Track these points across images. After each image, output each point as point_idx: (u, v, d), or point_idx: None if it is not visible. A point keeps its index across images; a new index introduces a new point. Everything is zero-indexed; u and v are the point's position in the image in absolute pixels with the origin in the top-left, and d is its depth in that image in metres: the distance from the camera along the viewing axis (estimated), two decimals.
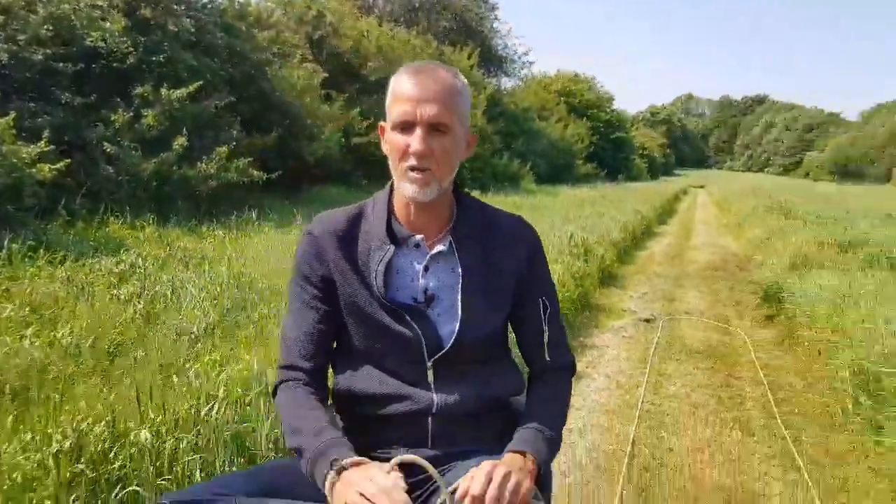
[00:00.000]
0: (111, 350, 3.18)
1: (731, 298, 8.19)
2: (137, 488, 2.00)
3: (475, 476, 1.18)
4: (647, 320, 6.91)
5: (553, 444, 1.41)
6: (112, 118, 8.56)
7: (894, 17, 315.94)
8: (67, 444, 1.99)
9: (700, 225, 19.33)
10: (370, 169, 18.14)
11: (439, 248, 1.45)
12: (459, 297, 1.42)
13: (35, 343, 3.04)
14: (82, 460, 1.99)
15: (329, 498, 1.19)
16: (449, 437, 1.41)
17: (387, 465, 1.19)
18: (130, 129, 8.79)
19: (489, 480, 1.17)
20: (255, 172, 10.29)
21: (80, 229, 6.46)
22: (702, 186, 47.28)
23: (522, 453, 1.33)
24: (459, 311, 1.41)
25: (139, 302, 3.97)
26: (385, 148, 1.47)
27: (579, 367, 5.24)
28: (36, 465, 1.94)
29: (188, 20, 10.52)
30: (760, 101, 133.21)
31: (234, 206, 9.81)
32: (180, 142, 8.93)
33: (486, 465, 1.20)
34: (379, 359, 1.44)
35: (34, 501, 1.89)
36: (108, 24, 8.93)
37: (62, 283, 4.20)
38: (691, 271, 10.39)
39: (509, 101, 30.30)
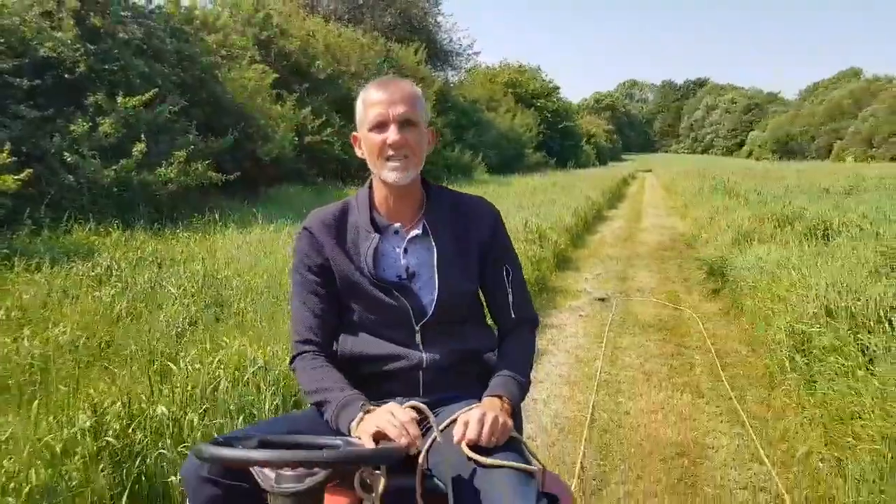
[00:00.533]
0: (103, 346, 3.36)
1: (679, 276, 8.67)
2: (163, 451, 2.24)
3: (469, 423, 1.47)
4: (602, 299, 7.31)
5: (523, 388, 1.72)
6: (71, 128, 8.56)
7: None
8: (88, 423, 2.21)
9: (649, 208, 19.99)
10: (324, 166, 18.25)
11: (415, 232, 1.73)
12: (436, 272, 1.70)
13: (34, 342, 3.21)
14: (106, 436, 2.21)
15: (354, 432, 1.47)
16: (437, 387, 1.70)
17: (404, 405, 1.50)
18: (88, 137, 8.80)
19: (482, 425, 1.46)
20: (214, 175, 10.38)
21: (45, 238, 6.53)
22: (649, 170, 48.52)
23: (499, 396, 1.63)
24: (436, 282, 1.69)
25: (122, 301, 4.14)
26: (360, 152, 1.73)
27: (541, 344, 5.60)
28: (63, 443, 2.15)
29: (136, 27, 10.51)
30: (701, 83, 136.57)
31: (193, 209, 9.92)
32: (139, 148, 8.98)
33: (476, 412, 1.49)
34: (375, 327, 1.72)
35: (65, 473, 2.11)
36: (59, 33, 8.89)
37: (46, 287, 4.33)
38: (642, 252, 10.88)
39: (458, 94, 30.64)
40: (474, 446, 1.45)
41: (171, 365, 2.95)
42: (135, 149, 8.98)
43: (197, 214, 9.44)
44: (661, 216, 17.09)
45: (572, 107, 62.07)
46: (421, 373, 1.70)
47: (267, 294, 4.64)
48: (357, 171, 19.15)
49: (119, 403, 2.39)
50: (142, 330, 3.64)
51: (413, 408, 1.55)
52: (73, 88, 9.30)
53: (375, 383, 1.71)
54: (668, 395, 4.50)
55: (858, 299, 4.12)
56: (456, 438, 1.47)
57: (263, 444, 1.39)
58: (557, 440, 3.78)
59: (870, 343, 3.64)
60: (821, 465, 3.40)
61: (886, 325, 3.72)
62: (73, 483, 2.03)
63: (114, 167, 8.72)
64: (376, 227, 1.71)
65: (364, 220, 1.72)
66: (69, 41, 8.90)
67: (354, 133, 1.73)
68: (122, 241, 7.00)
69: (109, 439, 2.20)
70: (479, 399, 1.65)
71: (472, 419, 1.47)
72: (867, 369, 3.54)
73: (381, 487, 1.36)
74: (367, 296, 1.69)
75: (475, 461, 1.44)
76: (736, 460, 3.57)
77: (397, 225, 1.72)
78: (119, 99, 9.34)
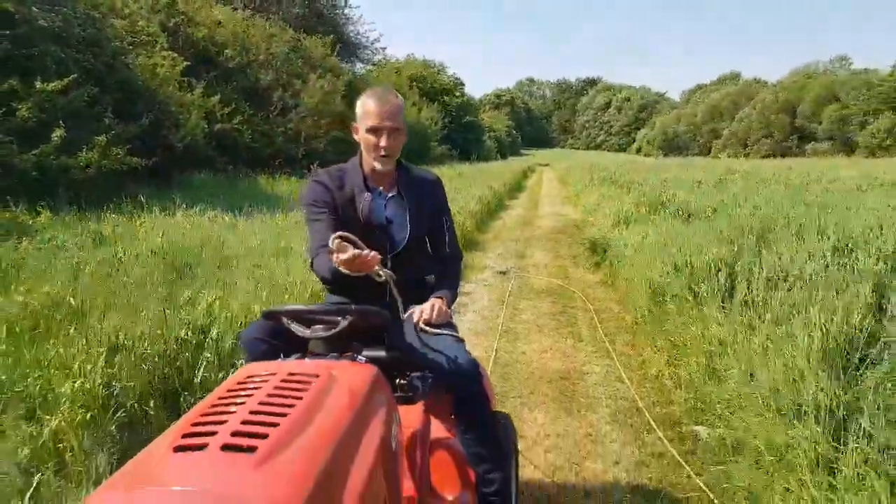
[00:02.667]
0: (96, 303, 3.96)
1: (569, 253, 9.86)
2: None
3: (423, 309, 2.34)
4: (503, 273, 8.35)
5: (454, 295, 2.60)
6: None
7: (708, 4, 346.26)
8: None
9: (545, 198, 21.44)
10: (234, 154, 18.41)
11: (391, 193, 2.56)
12: (408, 220, 2.54)
13: (32, 295, 3.77)
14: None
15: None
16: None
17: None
18: (4, 122, 8.94)
19: (432, 310, 2.34)
20: (134, 159, 10.68)
21: None
22: (547, 164, 50.77)
23: (441, 298, 2.51)
24: (408, 227, 2.53)
25: (90, 267, 4.70)
26: (356, 137, 2.52)
27: (454, 307, 6.55)
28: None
29: (54, 15, 10.62)
30: (594, 82, 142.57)
31: (110, 195, 10.18)
32: (59, 133, 9.19)
33: (427, 303, 2.37)
34: None
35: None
36: None
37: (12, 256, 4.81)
38: (538, 235, 12.07)
39: (365, 87, 31.15)
40: (427, 324, 2.33)
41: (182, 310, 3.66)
42: (54, 134, 9.18)
43: (115, 200, 9.74)
44: (556, 205, 18.50)
45: (475, 102, 63.69)
46: (387, 287, 2.53)
47: (217, 263, 5.32)
48: (268, 160, 19.48)
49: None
50: (127, 285, 4.27)
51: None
52: None
53: (356, 292, 2.52)
54: (555, 340, 5.55)
55: (689, 259, 5.31)
56: (415, 319, 2.34)
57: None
58: None
59: (700, 290, 4.79)
60: (666, 381, 4.50)
61: (714, 274, 4.88)
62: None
63: (33, 152, 8.92)
64: (368, 189, 2.53)
65: (359, 183, 2.52)
66: None
67: (354, 124, 2.51)
68: (53, 222, 7.36)
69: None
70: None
71: (426, 307, 2.35)
72: (698, 308, 4.68)
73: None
74: (358, 234, 2.48)
75: (427, 332, 2.31)
76: (605, 381, 4.63)
77: (381, 188, 2.55)
78: (38, 84, 9.50)
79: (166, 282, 4.57)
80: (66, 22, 11.09)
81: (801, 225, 6.71)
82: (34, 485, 2.23)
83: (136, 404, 2.72)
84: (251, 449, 1.23)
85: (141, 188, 11.71)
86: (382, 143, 2.39)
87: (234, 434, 1.28)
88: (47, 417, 2.46)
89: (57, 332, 3.19)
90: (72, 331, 3.10)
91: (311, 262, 2.48)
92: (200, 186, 14.41)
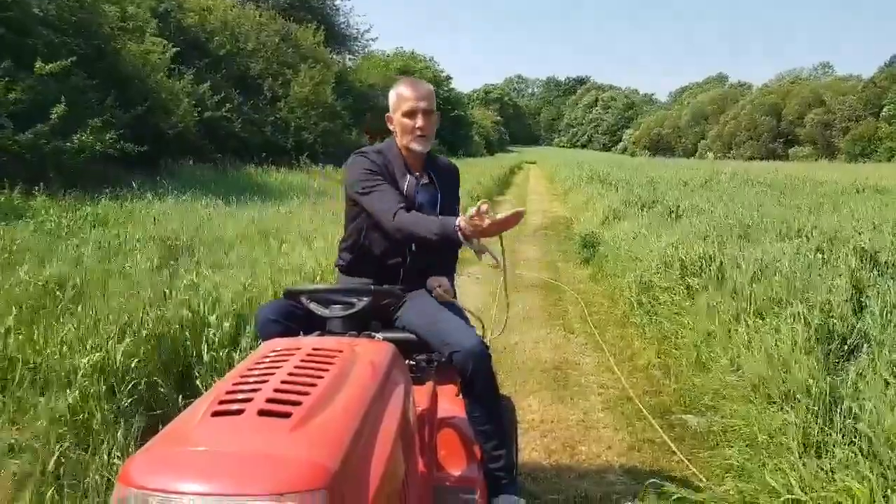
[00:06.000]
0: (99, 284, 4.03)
1: (558, 249, 10.01)
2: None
3: (441, 282, 2.48)
4: (495, 267, 8.46)
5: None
6: None
7: (699, 5, 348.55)
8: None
9: (533, 195, 21.61)
10: (223, 143, 18.33)
11: (424, 179, 2.65)
12: (438, 206, 2.62)
13: (45, 273, 3.84)
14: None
15: (463, 234, 2.18)
16: (410, 276, 2.63)
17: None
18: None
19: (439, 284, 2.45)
20: (127, 144, 10.65)
21: None
22: (534, 162, 50.92)
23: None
24: (438, 209, 2.62)
25: (91, 249, 4.76)
26: (391, 126, 2.59)
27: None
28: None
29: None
30: (582, 81, 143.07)
31: (101, 180, 10.17)
32: (58, 111, 9.15)
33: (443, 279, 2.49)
34: (386, 233, 2.57)
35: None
36: None
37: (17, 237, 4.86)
38: (528, 231, 12.19)
39: (354, 79, 31.12)
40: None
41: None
42: (53, 111, 9.15)
43: (105, 185, 9.74)
44: (545, 202, 18.67)
45: (463, 97, 63.72)
46: (402, 270, 2.62)
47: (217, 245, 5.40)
48: (256, 151, 19.39)
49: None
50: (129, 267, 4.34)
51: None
52: None
53: (374, 266, 2.59)
54: (547, 332, 5.68)
55: (678, 254, 5.46)
56: (433, 286, 2.46)
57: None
58: None
59: (692, 283, 4.93)
60: (655, 372, 4.64)
61: (707, 269, 5.03)
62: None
63: (30, 133, 8.89)
64: (409, 172, 2.61)
65: (400, 165, 2.58)
66: None
67: (388, 114, 2.60)
68: (48, 205, 7.37)
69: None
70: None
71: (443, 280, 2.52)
72: (690, 301, 4.82)
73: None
74: None
75: (444, 302, 2.42)
76: (595, 371, 4.77)
77: (416, 173, 2.63)
78: (38, 64, 9.45)
79: (166, 265, 4.64)
80: (58, 6, 11.03)
81: (784, 224, 6.89)
82: (56, 455, 2.32)
83: (153, 379, 2.81)
84: (286, 415, 1.31)
85: (130, 175, 11.71)
86: (419, 123, 2.48)
87: (269, 401, 1.36)
88: (65, 392, 2.54)
89: (64, 312, 3.26)
90: (79, 310, 3.17)
91: (394, 215, 2.40)
92: (189, 175, 14.39)
